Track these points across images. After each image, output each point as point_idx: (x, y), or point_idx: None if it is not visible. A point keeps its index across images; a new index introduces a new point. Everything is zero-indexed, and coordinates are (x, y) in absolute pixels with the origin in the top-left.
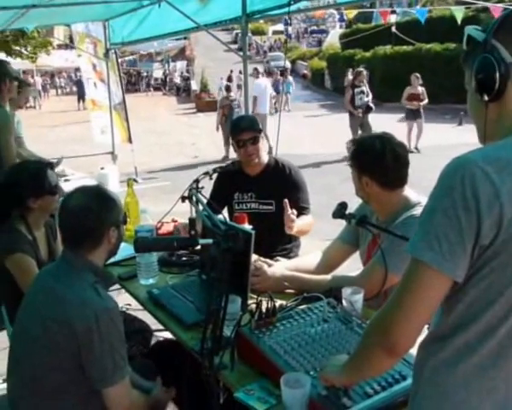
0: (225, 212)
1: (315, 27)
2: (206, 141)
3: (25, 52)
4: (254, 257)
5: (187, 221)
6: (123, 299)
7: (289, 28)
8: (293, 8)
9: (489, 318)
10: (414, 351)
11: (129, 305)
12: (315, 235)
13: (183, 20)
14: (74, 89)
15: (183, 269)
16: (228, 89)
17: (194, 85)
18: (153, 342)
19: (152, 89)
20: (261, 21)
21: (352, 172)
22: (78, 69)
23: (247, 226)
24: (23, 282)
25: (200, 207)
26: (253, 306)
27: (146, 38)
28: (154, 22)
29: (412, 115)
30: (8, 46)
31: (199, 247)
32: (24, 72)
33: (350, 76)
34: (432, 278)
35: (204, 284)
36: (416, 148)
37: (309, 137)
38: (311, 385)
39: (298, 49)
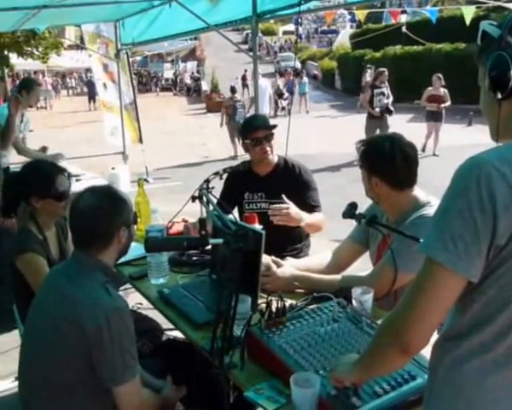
0: (235, 212)
1: (325, 28)
2: (216, 141)
3: (36, 53)
4: (265, 257)
5: (197, 221)
6: (133, 298)
7: (300, 28)
8: (303, 8)
9: (505, 318)
10: (423, 351)
11: (140, 304)
12: (325, 235)
13: (194, 20)
14: (85, 89)
15: (193, 269)
16: (233, 90)
17: (205, 86)
18: (163, 340)
19: (158, 89)
20: (271, 22)
21: (361, 172)
22: (88, 70)
23: (258, 226)
24: (34, 281)
25: (211, 207)
26: (263, 305)
27: (156, 38)
28: (165, 22)
29: (431, 117)
30: (20, 47)
31: (209, 247)
32: (35, 72)
33: (368, 77)
34: (446, 279)
35: (214, 283)
36: (435, 153)
37: (318, 138)
38: (321, 385)
39: (308, 49)
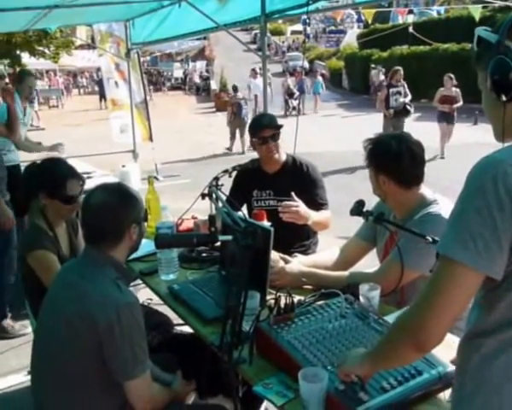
0: (244, 209)
1: (333, 27)
2: (225, 139)
3: (47, 52)
4: (273, 253)
5: (206, 218)
6: (144, 294)
7: (307, 28)
8: (311, 7)
9: None
10: None
11: (150, 300)
12: (332, 232)
13: (203, 20)
14: (96, 88)
15: (202, 265)
16: (235, 89)
17: (214, 85)
18: (173, 334)
19: (166, 89)
20: (280, 22)
21: (369, 170)
22: (99, 69)
23: (266, 223)
24: (46, 278)
25: (220, 204)
26: (272, 301)
27: (166, 37)
28: (174, 22)
29: (443, 119)
30: (32, 46)
31: (218, 243)
32: (47, 71)
33: (374, 77)
34: (467, 277)
35: (223, 279)
36: (442, 156)
37: (326, 136)
38: (329, 380)
39: (316, 49)
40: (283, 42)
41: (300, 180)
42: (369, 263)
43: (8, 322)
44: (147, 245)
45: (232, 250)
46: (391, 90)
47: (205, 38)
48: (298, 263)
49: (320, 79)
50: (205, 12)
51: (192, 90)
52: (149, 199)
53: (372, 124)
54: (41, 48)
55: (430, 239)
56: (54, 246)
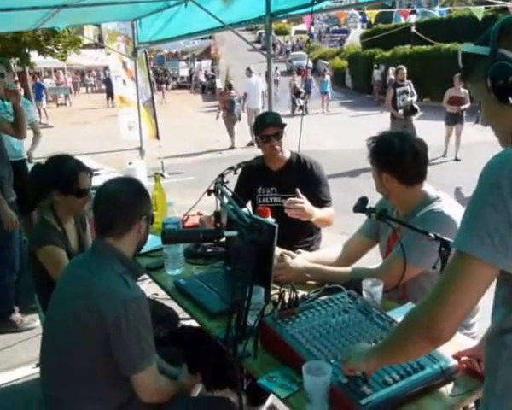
0: (249, 205)
1: (336, 27)
2: (229, 137)
3: (56, 51)
4: (277, 249)
5: (211, 214)
6: (150, 289)
7: (311, 28)
8: (315, 7)
9: None
10: None
11: (156, 294)
12: (336, 228)
13: (209, 19)
14: (103, 87)
15: (208, 260)
16: (229, 87)
17: (219, 84)
18: (179, 328)
19: (170, 87)
20: (284, 21)
21: (372, 168)
22: (107, 68)
23: (271, 219)
24: (54, 272)
25: (226, 200)
26: (276, 296)
27: (172, 37)
28: (181, 21)
29: (451, 120)
30: (40, 45)
31: (224, 239)
32: (55, 70)
33: (376, 76)
34: (483, 273)
35: (228, 274)
36: (456, 158)
37: (329, 135)
38: (332, 373)
39: (320, 48)
40: (287, 41)
41: (304, 178)
42: (372, 259)
43: (17, 316)
44: (153, 241)
45: (237, 246)
46: (397, 89)
47: (210, 38)
48: (302, 259)
49: (328, 78)
50: (211, 11)
51: (197, 88)
52: (156, 196)
53: (375, 122)
54: (49, 47)
55: (433, 236)
56: (62, 241)
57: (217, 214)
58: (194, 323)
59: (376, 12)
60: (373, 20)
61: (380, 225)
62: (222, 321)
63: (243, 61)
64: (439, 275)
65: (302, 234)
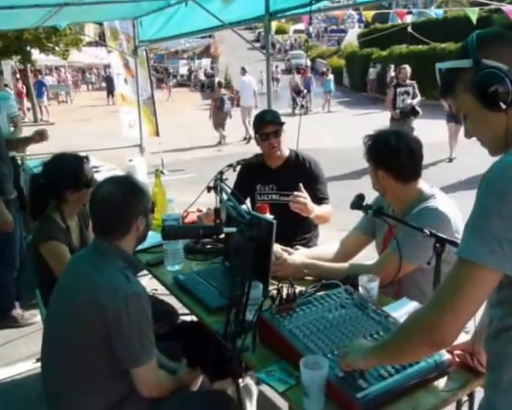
0: (248, 202)
1: (334, 27)
2: (228, 135)
3: (57, 49)
4: (275, 246)
5: (208, 210)
6: (149, 284)
7: (310, 27)
8: (314, 7)
9: None
10: None
11: (155, 290)
12: (333, 225)
13: (209, 18)
14: (103, 84)
15: (207, 256)
16: (220, 85)
17: None
18: (179, 323)
19: (166, 85)
20: (283, 21)
21: (368, 166)
22: (107, 66)
23: (269, 216)
24: (57, 268)
25: (225, 197)
26: (274, 292)
27: (173, 35)
28: (181, 20)
29: (453, 118)
30: (42, 43)
31: (223, 235)
32: (56, 68)
33: (371, 75)
34: (489, 279)
35: (227, 270)
36: (450, 158)
37: (327, 132)
38: (329, 367)
39: (318, 47)
40: (286, 40)
41: (303, 175)
42: (369, 255)
43: (17, 311)
44: (153, 237)
45: (236, 242)
46: (398, 89)
47: (210, 36)
48: (300, 255)
49: (331, 76)
50: (211, 11)
51: (197, 86)
52: (156, 192)
53: (375, 121)
54: (51, 44)
55: (427, 232)
56: (65, 237)
57: (216, 211)
58: (193, 318)
59: (373, 12)
60: (370, 20)
61: (376, 222)
62: (221, 316)
63: (242, 60)
64: (433, 271)
65: (300, 231)
